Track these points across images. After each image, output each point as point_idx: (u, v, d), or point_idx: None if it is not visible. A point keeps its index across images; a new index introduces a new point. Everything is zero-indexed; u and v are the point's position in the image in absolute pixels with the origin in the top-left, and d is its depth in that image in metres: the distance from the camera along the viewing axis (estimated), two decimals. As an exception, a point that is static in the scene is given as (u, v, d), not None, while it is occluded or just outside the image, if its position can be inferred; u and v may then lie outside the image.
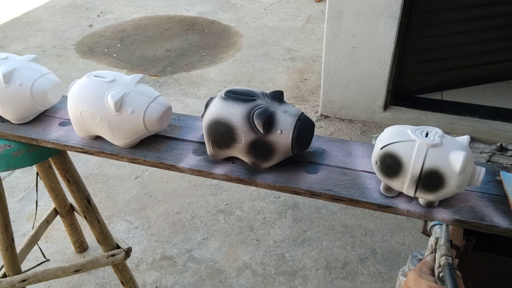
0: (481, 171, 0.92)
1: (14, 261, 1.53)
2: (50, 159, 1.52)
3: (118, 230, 2.18)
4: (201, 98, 3.24)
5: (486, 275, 1.00)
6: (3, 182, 2.43)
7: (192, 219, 2.24)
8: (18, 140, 1.26)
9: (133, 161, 1.15)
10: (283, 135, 1.01)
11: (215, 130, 1.04)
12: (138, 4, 4.93)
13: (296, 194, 1.04)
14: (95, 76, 1.15)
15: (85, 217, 1.52)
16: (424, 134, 0.94)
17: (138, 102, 1.11)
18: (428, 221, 0.93)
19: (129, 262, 1.99)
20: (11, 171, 2.53)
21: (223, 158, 1.11)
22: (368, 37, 2.62)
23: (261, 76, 3.51)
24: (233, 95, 1.05)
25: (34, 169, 2.24)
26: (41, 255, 1.98)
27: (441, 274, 0.73)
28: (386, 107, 2.90)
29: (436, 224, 0.85)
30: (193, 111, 3.08)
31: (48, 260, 2.03)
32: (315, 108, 3.10)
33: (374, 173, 1.05)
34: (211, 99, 1.09)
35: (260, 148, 1.03)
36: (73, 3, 4.98)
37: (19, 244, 1.67)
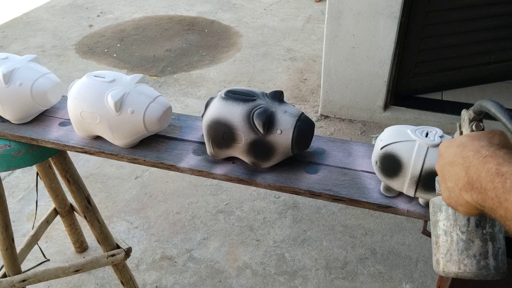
0: (481, 171, 0.92)
1: (14, 261, 1.53)
2: (50, 159, 1.52)
3: (118, 230, 2.18)
4: (201, 98, 3.24)
5: (486, 275, 1.00)
6: (3, 182, 2.43)
7: (192, 219, 2.24)
8: (18, 140, 1.26)
9: (133, 161, 1.15)
10: (283, 135, 1.01)
11: (215, 130, 1.04)
12: (138, 4, 4.93)
13: (296, 194, 1.04)
14: (95, 76, 1.15)
15: (85, 217, 1.52)
16: (424, 134, 0.94)
17: (138, 102, 1.11)
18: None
19: (129, 262, 1.99)
20: (11, 171, 2.53)
21: (223, 158, 1.11)
22: (368, 37, 2.62)
23: (261, 76, 3.51)
24: (233, 95, 1.04)
25: (34, 169, 2.24)
26: (41, 255, 1.98)
27: (473, 126, 0.66)
28: (386, 107, 2.90)
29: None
30: (193, 111, 3.08)
31: (48, 260, 2.03)
32: (315, 108, 3.10)
33: (374, 173, 1.05)
34: (211, 99, 1.09)
35: (260, 148, 1.03)
36: (73, 3, 4.98)
37: (19, 244, 1.67)
